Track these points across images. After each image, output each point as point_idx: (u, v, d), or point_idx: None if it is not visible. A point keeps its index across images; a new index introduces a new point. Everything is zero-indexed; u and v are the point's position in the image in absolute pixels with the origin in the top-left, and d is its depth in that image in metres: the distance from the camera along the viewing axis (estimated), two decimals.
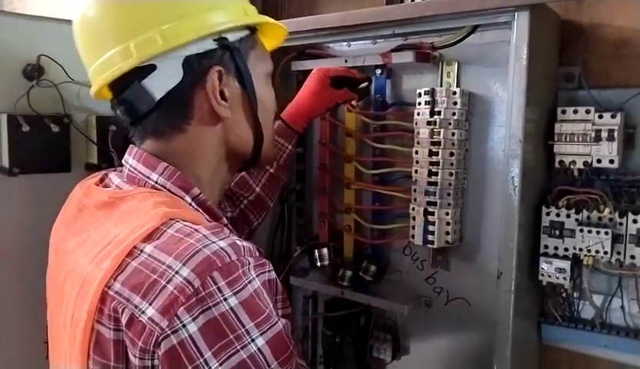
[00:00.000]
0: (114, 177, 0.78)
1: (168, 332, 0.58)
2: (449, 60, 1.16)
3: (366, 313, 1.31)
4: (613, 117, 0.95)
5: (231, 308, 0.60)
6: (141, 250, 0.63)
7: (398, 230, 1.23)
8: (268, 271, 0.66)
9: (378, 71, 1.23)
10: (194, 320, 0.58)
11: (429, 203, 1.11)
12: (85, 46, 0.76)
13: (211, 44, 0.74)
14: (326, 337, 1.36)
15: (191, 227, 0.64)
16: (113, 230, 0.67)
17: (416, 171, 1.13)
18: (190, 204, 0.73)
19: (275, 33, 0.89)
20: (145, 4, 0.72)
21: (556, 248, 0.99)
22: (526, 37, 0.91)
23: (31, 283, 1.12)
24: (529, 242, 1.01)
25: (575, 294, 1.04)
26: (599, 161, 0.96)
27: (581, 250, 0.96)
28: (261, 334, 0.61)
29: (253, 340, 0.60)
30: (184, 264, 0.60)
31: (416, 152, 1.13)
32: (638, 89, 0.98)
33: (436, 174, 1.10)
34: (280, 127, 1.13)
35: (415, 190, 1.14)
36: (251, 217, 1.13)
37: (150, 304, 0.59)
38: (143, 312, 0.59)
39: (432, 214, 1.11)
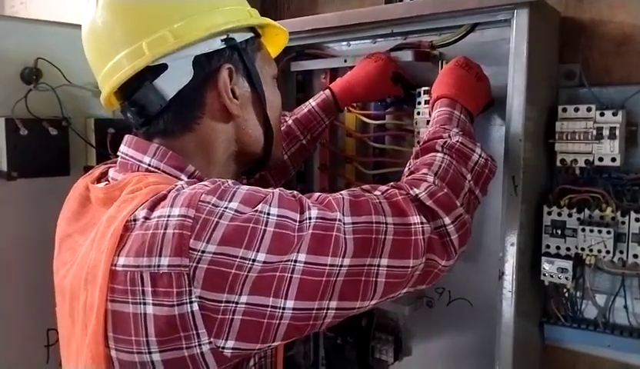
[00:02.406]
0: (110, 171, 0.77)
1: (194, 265, 0.59)
2: (449, 59, 1.14)
3: (368, 314, 1.30)
4: (615, 114, 0.94)
5: (236, 210, 0.61)
6: (135, 220, 0.63)
7: None
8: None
9: None
10: (208, 242, 0.59)
11: None
12: (94, 52, 0.76)
13: (219, 44, 0.76)
14: (328, 339, 1.35)
15: (173, 187, 0.66)
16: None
17: None
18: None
19: (277, 40, 0.91)
20: (154, 5, 0.73)
21: (558, 248, 0.98)
22: (525, 34, 0.90)
23: (31, 286, 1.12)
24: (531, 242, 1.01)
25: (578, 294, 1.03)
26: (601, 159, 0.95)
27: (583, 249, 0.95)
28: (271, 206, 0.63)
29: (269, 214, 0.62)
30: (171, 207, 0.61)
31: None
32: None
33: None
34: (326, 100, 1.13)
35: None
36: (272, 183, 1.12)
37: (161, 256, 0.59)
38: (159, 266, 0.59)
39: None
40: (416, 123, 1.12)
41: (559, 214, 0.98)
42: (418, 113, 1.11)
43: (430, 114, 0.98)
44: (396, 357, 1.27)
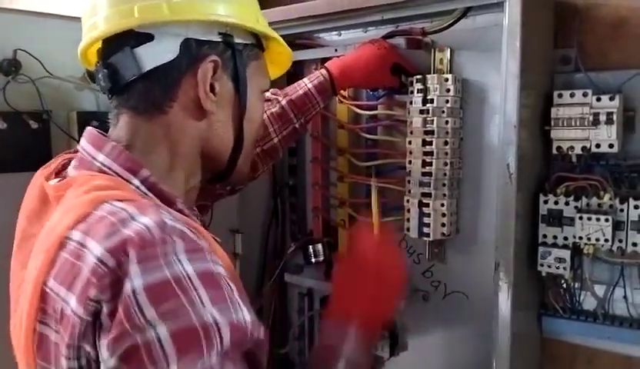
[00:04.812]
0: (70, 166, 0.73)
1: (88, 318, 0.54)
2: (441, 46, 1.12)
3: None
4: (611, 99, 0.92)
5: (134, 291, 0.53)
6: (70, 238, 0.59)
7: (393, 223, 1.19)
8: (212, 263, 0.60)
9: None
10: (106, 303, 0.54)
11: (424, 194, 1.08)
12: (86, 4, 0.73)
13: (215, 36, 0.73)
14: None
15: (119, 207, 0.60)
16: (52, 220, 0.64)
17: (410, 162, 1.10)
18: (137, 188, 0.68)
19: (279, 59, 0.88)
20: None
21: (555, 237, 0.96)
22: (519, 19, 0.88)
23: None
24: (527, 232, 0.98)
25: (576, 285, 1.01)
26: (598, 145, 0.93)
27: (581, 238, 0.92)
28: (164, 323, 0.53)
29: (155, 328, 0.53)
30: (99, 243, 0.56)
31: (409, 142, 1.10)
32: (637, 70, 0.94)
33: (430, 164, 1.07)
34: (323, 84, 1.08)
35: (409, 181, 1.10)
36: (260, 166, 1.08)
37: (73, 293, 0.56)
38: (68, 303, 0.56)
39: (427, 205, 1.08)
40: (409, 112, 1.09)
41: (556, 203, 0.96)
42: (411, 102, 1.09)
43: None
44: (392, 353, 1.24)
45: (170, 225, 0.58)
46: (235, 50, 0.75)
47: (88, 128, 0.73)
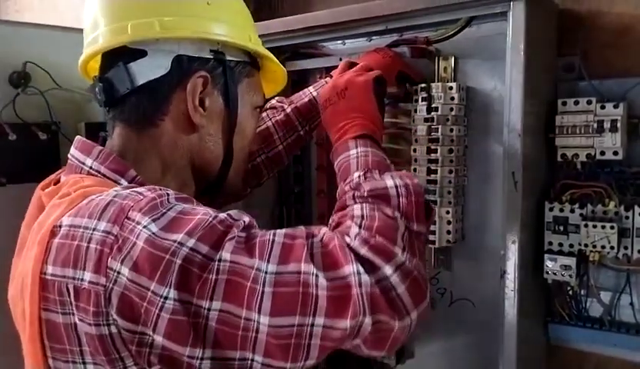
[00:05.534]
0: (62, 174, 0.76)
1: (110, 286, 0.57)
2: (446, 55, 1.13)
3: None
4: (615, 107, 0.92)
5: (155, 234, 0.57)
6: (61, 226, 0.62)
7: None
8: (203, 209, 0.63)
9: None
10: (123, 263, 0.57)
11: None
12: (86, 22, 0.77)
13: (206, 53, 0.76)
14: None
15: (106, 193, 0.64)
16: None
17: (415, 170, 1.10)
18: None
19: (274, 77, 0.90)
20: None
21: (561, 245, 0.96)
22: (522, 27, 0.88)
23: None
24: (533, 239, 0.98)
25: (582, 292, 1.01)
26: (602, 153, 0.93)
27: (586, 245, 0.93)
28: (190, 237, 0.57)
29: (182, 244, 0.57)
30: (99, 219, 0.60)
31: (414, 150, 1.10)
32: None
33: (435, 171, 1.07)
34: None
35: None
36: (264, 173, 1.08)
37: (84, 270, 0.58)
38: (82, 279, 0.58)
39: None
40: (413, 120, 1.10)
41: (561, 210, 0.96)
42: (415, 111, 1.09)
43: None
44: (398, 360, 1.24)
45: (158, 188, 0.64)
46: (227, 67, 0.77)
47: (77, 137, 0.76)
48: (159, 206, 0.60)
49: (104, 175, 0.71)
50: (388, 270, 0.61)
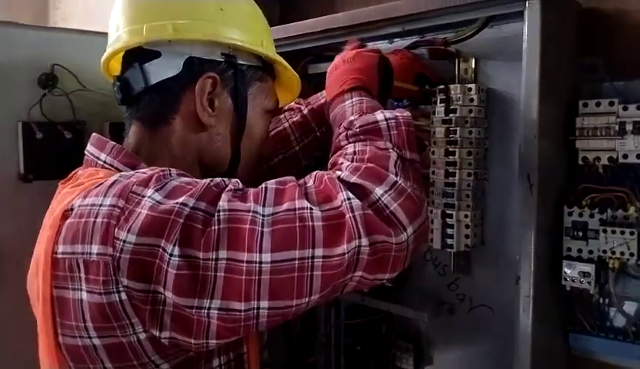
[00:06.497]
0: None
1: (118, 254, 0.59)
2: (466, 56, 1.11)
3: (387, 321, 1.26)
4: (639, 108, 0.88)
5: (158, 201, 0.60)
6: (72, 208, 0.65)
7: None
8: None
9: None
10: (129, 231, 0.60)
11: (447, 205, 1.07)
12: (110, 25, 0.82)
13: (218, 56, 0.79)
14: (347, 346, 1.32)
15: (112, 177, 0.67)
16: None
17: (433, 172, 1.09)
18: None
19: (289, 83, 0.93)
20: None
21: (580, 251, 0.92)
22: (538, 27, 0.86)
23: None
24: (551, 245, 0.95)
25: (604, 301, 0.96)
26: (625, 156, 0.89)
27: (605, 252, 0.89)
28: (191, 197, 0.61)
29: (185, 205, 0.60)
30: (104, 196, 0.63)
31: (432, 153, 1.08)
32: None
33: (453, 174, 1.06)
34: None
35: (432, 192, 1.09)
36: (281, 174, 1.10)
37: (92, 243, 0.61)
38: (90, 253, 0.61)
39: (450, 216, 1.06)
40: (432, 122, 1.09)
41: (580, 215, 0.92)
42: (434, 113, 1.08)
43: None
44: (417, 366, 1.23)
45: (163, 169, 0.67)
46: (238, 70, 0.80)
47: (93, 134, 0.80)
48: (162, 178, 0.64)
49: (117, 169, 0.74)
50: (379, 191, 0.65)
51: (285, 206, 0.62)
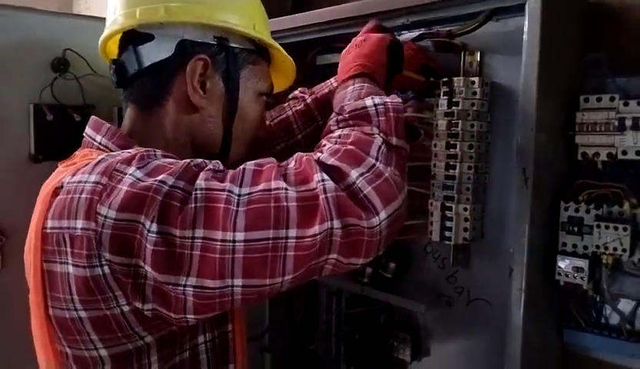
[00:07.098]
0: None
1: (100, 229, 0.61)
2: (472, 49, 1.11)
3: (387, 311, 1.27)
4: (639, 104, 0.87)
5: (138, 178, 0.62)
6: (62, 185, 0.67)
7: (417, 226, 1.18)
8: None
9: None
10: (110, 207, 0.61)
11: (447, 197, 1.07)
12: (109, 9, 0.84)
13: (210, 39, 0.80)
14: (346, 334, 1.34)
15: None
16: None
17: (434, 165, 1.09)
18: None
19: (283, 67, 0.93)
20: None
21: (575, 246, 0.92)
22: (538, 20, 0.86)
23: None
24: (547, 239, 0.95)
25: (598, 297, 0.96)
26: (624, 152, 0.89)
27: (598, 247, 0.88)
28: (170, 176, 0.63)
29: (163, 183, 0.62)
30: (90, 173, 0.65)
31: (434, 145, 1.09)
32: None
33: (454, 167, 1.06)
34: None
35: (433, 184, 1.10)
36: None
37: (77, 219, 0.63)
38: (75, 228, 0.63)
39: (450, 209, 1.06)
40: (435, 115, 1.09)
41: (576, 210, 0.92)
42: (437, 105, 1.08)
43: None
44: (414, 357, 1.24)
45: (148, 149, 0.69)
46: (230, 52, 0.81)
47: (92, 117, 0.82)
48: (146, 158, 0.66)
49: (110, 150, 0.76)
50: (354, 173, 0.65)
51: (261, 186, 0.63)
